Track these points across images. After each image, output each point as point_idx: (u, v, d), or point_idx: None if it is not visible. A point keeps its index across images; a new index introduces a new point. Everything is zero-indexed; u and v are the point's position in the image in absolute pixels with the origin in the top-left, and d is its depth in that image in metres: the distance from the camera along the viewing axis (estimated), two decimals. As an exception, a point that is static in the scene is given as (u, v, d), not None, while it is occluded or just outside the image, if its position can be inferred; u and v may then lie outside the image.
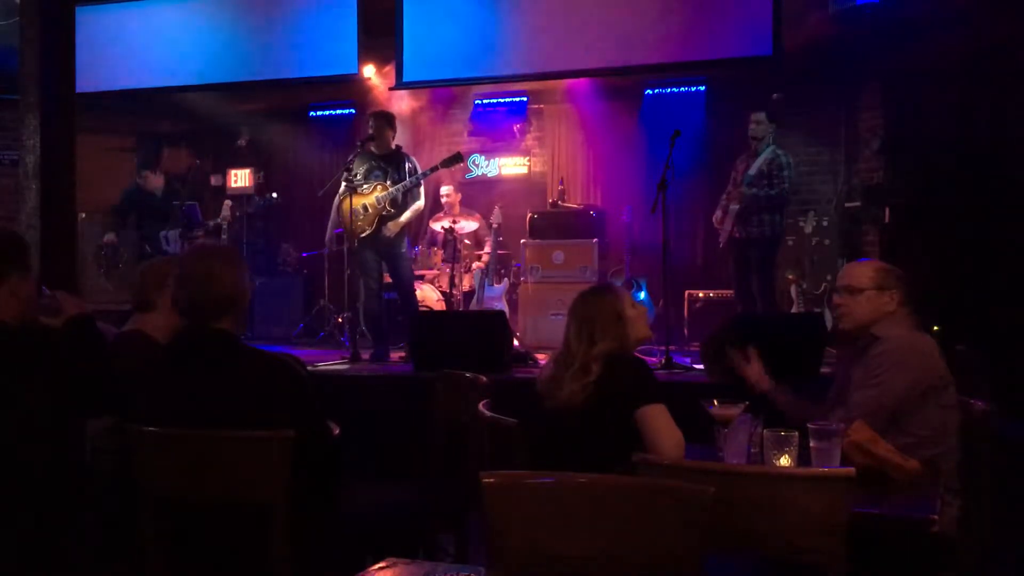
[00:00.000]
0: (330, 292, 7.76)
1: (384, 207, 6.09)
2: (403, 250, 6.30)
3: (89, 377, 2.61)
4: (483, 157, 9.14)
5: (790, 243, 7.09)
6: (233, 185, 9.38)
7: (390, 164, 6.19)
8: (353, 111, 9.23)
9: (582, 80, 8.23)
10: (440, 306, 7.47)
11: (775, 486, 1.91)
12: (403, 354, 6.11)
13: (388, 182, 6.13)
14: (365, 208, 6.10)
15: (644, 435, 2.57)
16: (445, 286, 7.54)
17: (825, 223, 7.59)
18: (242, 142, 9.44)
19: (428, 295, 7.50)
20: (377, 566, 1.77)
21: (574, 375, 2.67)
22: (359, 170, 6.19)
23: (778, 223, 6.29)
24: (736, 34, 6.59)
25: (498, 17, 7.22)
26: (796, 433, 2.33)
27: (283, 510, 2.20)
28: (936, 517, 2.12)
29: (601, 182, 8.81)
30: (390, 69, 7.69)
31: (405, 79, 7.43)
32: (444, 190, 8.15)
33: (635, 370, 2.70)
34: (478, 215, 8.17)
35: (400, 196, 6.11)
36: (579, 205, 8.26)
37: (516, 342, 6.23)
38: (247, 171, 9.38)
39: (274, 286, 8.50)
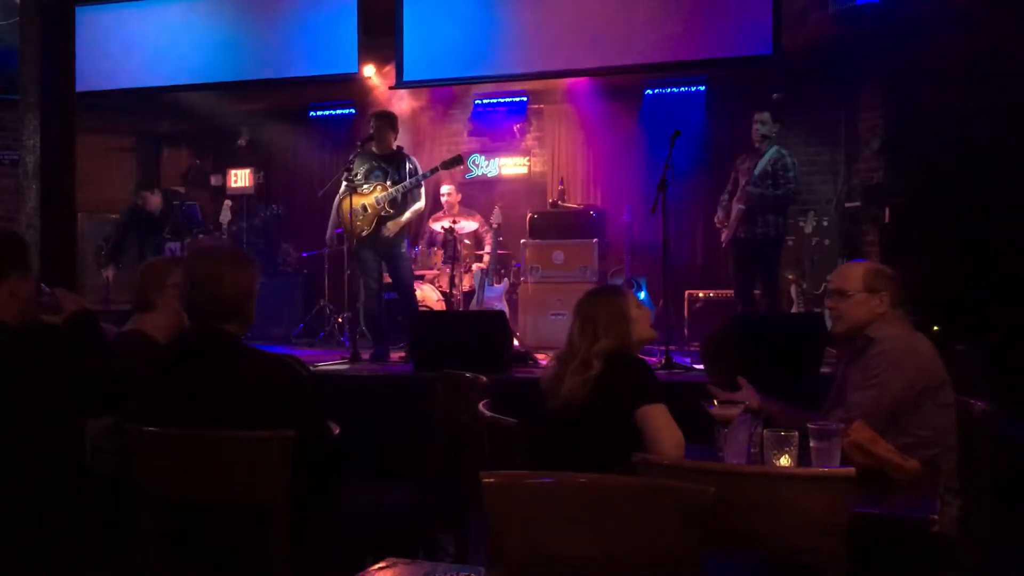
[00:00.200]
0: (330, 292, 7.75)
1: (383, 208, 6.09)
2: (403, 250, 6.29)
3: (89, 376, 2.61)
4: (483, 157, 9.13)
5: (790, 243, 7.09)
6: (233, 185, 9.39)
7: (390, 164, 6.19)
8: (353, 111, 9.21)
9: (582, 80, 8.24)
10: (440, 306, 7.47)
11: (775, 486, 1.91)
12: (403, 354, 6.11)
13: (388, 183, 6.13)
14: (365, 208, 6.10)
15: (644, 435, 2.58)
16: (445, 286, 7.54)
17: (825, 223, 7.58)
18: (242, 142, 9.45)
19: (428, 295, 7.49)
20: (377, 566, 1.77)
21: (575, 370, 2.68)
22: (359, 170, 6.19)
23: (782, 223, 6.29)
24: (736, 34, 6.60)
25: (498, 16, 7.23)
26: (796, 433, 2.33)
27: (283, 510, 2.20)
28: (936, 517, 2.12)
29: (601, 182, 8.80)
30: (390, 69, 7.70)
31: (405, 79, 7.44)
32: (444, 190, 8.15)
33: (636, 369, 2.71)
34: (478, 215, 8.17)
35: (400, 197, 6.11)
36: (579, 205, 8.26)
37: (516, 342, 6.23)
38: (247, 171, 9.40)
39: (274, 286, 8.48)
